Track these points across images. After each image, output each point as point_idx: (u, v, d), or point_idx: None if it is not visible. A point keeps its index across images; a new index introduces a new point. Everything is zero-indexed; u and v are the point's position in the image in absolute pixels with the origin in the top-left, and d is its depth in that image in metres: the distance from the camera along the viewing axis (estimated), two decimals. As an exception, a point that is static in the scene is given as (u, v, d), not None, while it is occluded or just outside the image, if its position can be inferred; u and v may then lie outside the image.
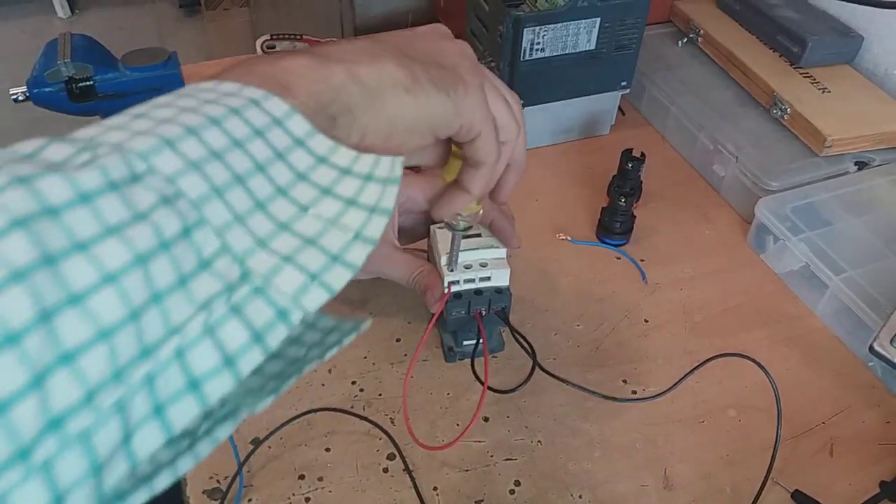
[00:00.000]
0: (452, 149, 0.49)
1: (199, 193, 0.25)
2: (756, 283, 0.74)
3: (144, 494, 0.26)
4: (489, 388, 0.60)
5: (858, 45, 0.91)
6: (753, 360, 0.60)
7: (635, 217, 0.77)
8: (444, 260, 0.58)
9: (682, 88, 0.91)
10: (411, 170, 0.43)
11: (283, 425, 0.59)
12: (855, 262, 0.69)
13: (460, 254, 0.57)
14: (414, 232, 0.63)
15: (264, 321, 0.26)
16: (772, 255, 0.75)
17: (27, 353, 0.20)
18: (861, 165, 0.81)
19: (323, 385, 0.62)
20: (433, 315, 0.58)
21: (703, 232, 0.80)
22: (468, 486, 0.57)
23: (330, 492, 0.56)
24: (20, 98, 0.79)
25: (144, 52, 0.85)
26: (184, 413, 0.25)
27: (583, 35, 0.81)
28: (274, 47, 0.97)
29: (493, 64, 0.83)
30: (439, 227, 0.59)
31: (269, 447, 0.58)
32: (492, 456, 0.59)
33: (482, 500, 0.56)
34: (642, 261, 0.76)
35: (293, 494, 0.56)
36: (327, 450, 0.58)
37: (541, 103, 0.85)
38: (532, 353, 0.62)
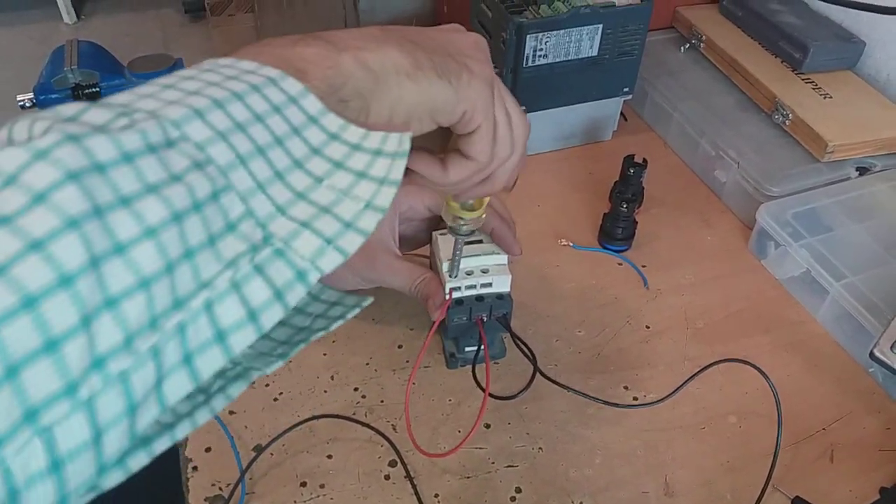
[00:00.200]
0: (447, 201, 0.50)
1: (227, 161, 0.27)
2: (757, 288, 0.75)
3: (167, 441, 0.28)
4: (490, 395, 0.60)
5: (860, 51, 0.91)
6: (754, 366, 0.60)
7: (637, 223, 0.77)
8: (445, 266, 0.58)
9: (684, 94, 0.91)
10: (412, 180, 0.43)
11: (285, 432, 0.59)
12: (856, 267, 0.69)
13: (461, 260, 0.57)
14: (415, 240, 0.63)
15: (284, 280, 0.28)
16: (773, 260, 0.75)
17: (79, 295, 0.22)
18: (862, 171, 0.81)
19: (325, 392, 0.63)
20: (434, 322, 0.59)
21: (705, 238, 0.80)
22: (469, 493, 0.57)
23: (332, 499, 0.56)
24: (27, 105, 0.80)
25: (150, 59, 0.86)
26: (210, 363, 0.26)
27: (585, 41, 0.81)
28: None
29: (496, 70, 0.83)
30: (441, 234, 0.60)
31: (272, 454, 0.58)
32: (493, 463, 0.59)
33: (483, 507, 0.56)
34: (644, 267, 0.76)
35: (295, 501, 0.56)
36: (329, 457, 0.59)
37: (543, 109, 0.85)
38: (533, 359, 0.62)
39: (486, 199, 0.50)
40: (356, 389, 0.63)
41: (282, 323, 0.32)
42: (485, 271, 0.59)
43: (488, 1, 0.82)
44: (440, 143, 0.42)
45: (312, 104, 0.31)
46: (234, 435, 0.59)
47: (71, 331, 0.22)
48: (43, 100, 0.80)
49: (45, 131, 0.24)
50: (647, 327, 0.70)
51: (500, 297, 0.59)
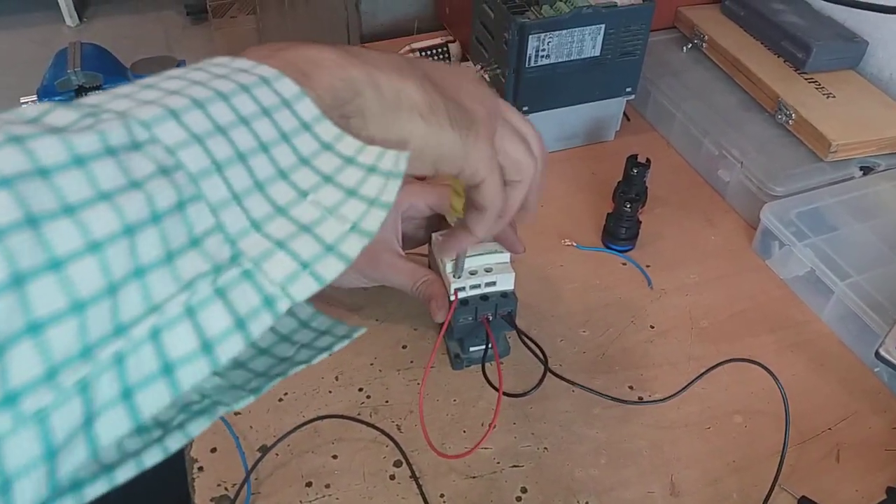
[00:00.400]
0: (453, 186, 0.49)
1: (199, 167, 0.25)
2: (762, 288, 0.74)
3: (103, 486, 0.25)
4: (504, 394, 0.60)
5: (863, 51, 0.91)
6: (762, 366, 0.60)
7: (641, 223, 0.77)
8: (449, 267, 0.58)
9: (686, 94, 0.91)
10: (414, 177, 0.44)
11: (290, 432, 0.59)
12: (861, 267, 0.69)
13: (465, 260, 0.57)
14: (415, 239, 0.63)
15: (249, 307, 0.25)
16: (777, 260, 0.75)
17: None
18: (866, 170, 0.81)
19: (330, 392, 0.63)
20: (442, 324, 0.59)
21: (709, 237, 0.80)
22: (475, 493, 0.57)
23: (337, 499, 0.56)
24: (30, 107, 0.80)
25: (153, 61, 0.86)
26: (154, 399, 0.23)
27: (588, 41, 0.81)
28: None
29: (498, 71, 0.83)
30: (441, 235, 0.60)
31: (277, 454, 0.58)
32: (498, 463, 0.59)
33: (489, 507, 0.56)
34: (648, 266, 0.76)
35: (300, 501, 0.56)
36: (334, 457, 0.59)
37: (546, 109, 0.85)
38: (544, 358, 0.62)
39: None
40: (361, 390, 0.63)
41: (263, 352, 0.29)
42: (488, 270, 0.59)
43: (490, 1, 0.82)
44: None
45: (307, 109, 0.29)
46: (239, 435, 0.59)
47: None
48: (46, 102, 0.80)
49: None
50: (652, 327, 0.70)
51: (504, 295, 0.59)
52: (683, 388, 0.62)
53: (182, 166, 0.24)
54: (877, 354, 0.60)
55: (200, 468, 0.57)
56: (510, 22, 0.78)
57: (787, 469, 0.58)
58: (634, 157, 0.75)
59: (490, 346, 0.60)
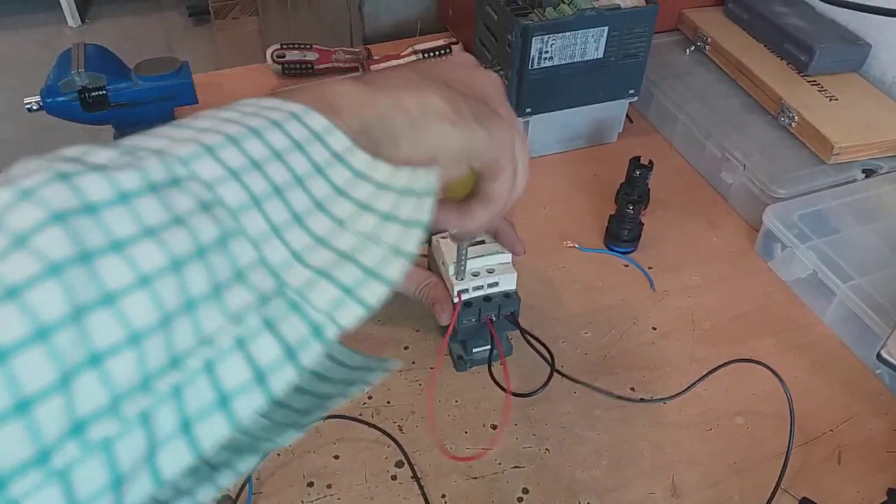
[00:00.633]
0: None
1: (238, 202, 0.25)
2: (764, 290, 0.75)
3: None
4: (512, 394, 0.60)
5: (866, 53, 0.91)
6: (767, 367, 0.60)
7: (643, 225, 0.77)
8: (451, 269, 0.58)
9: (689, 96, 0.91)
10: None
11: (292, 432, 0.59)
12: (863, 269, 0.69)
13: (467, 262, 0.58)
14: None
15: (298, 337, 0.26)
16: (779, 262, 0.75)
17: (57, 350, 0.20)
18: (869, 173, 0.81)
19: (332, 392, 0.63)
20: (446, 327, 0.59)
21: (711, 239, 0.80)
22: (476, 494, 0.57)
23: (339, 499, 0.56)
24: (34, 107, 0.80)
25: (157, 62, 0.86)
26: (212, 431, 0.24)
27: (591, 43, 0.81)
28: (284, 56, 0.98)
29: (501, 73, 0.83)
30: (442, 237, 0.60)
31: (279, 454, 0.58)
32: (500, 464, 0.59)
33: (490, 508, 0.56)
34: (650, 268, 0.76)
35: (302, 501, 0.56)
36: (336, 457, 0.59)
37: (549, 111, 0.85)
38: (550, 358, 0.62)
39: None
40: (363, 390, 0.63)
41: (303, 391, 0.30)
42: (490, 271, 0.59)
43: (494, 3, 0.82)
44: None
45: (339, 140, 0.29)
46: (241, 435, 0.59)
47: (46, 390, 0.20)
48: (50, 102, 0.80)
49: (37, 169, 0.22)
50: (654, 329, 0.70)
51: (507, 295, 0.60)
52: (685, 390, 0.62)
53: (221, 201, 0.25)
54: (878, 356, 0.60)
55: (203, 468, 0.57)
56: (513, 24, 0.78)
57: (789, 470, 0.58)
58: (637, 159, 0.75)
59: (494, 346, 0.60)
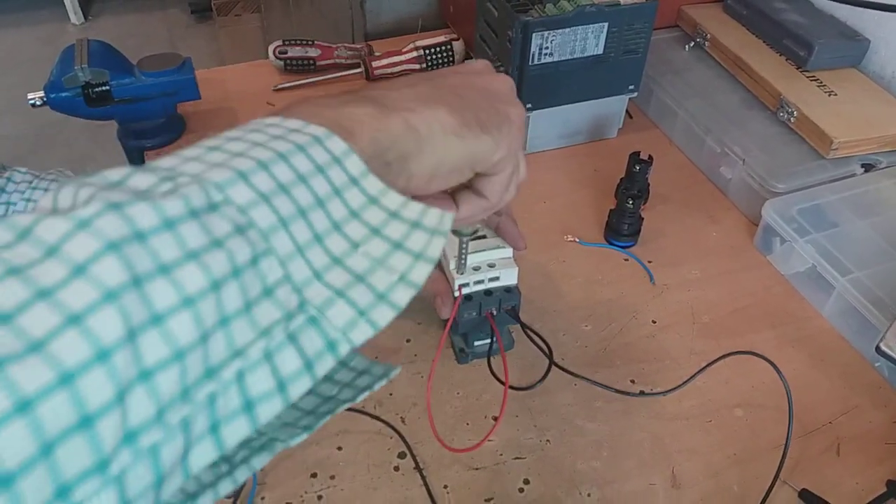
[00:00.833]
0: None
1: (269, 224, 0.27)
2: (763, 284, 0.75)
3: None
4: (510, 387, 0.61)
5: (865, 49, 0.91)
6: (765, 359, 0.60)
7: (643, 219, 0.77)
8: (452, 263, 0.58)
9: (689, 92, 0.91)
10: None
11: (295, 424, 0.60)
12: (861, 263, 0.69)
13: (468, 256, 0.58)
14: None
15: (315, 350, 0.28)
16: (778, 256, 0.76)
17: (115, 369, 0.22)
18: (867, 168, 0.81)
19: (334, 385, 0.63)
20: (447, 320, 0.59)
21: (711, 234, 0.81)
22: (478, 485, 0.57)
23: (342, 490, 0.57)
24: (38, 103, 0.81)
25: (159, 58, 0.86)
26: (236, 432, 0.26)
27: (591, 40, 0.81)
28: (286, 53, 0.98)
29: (502, 69, 0.84)
30: None
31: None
32: (501, 455, 0.59)
33: (492, 499, 0.57)
34: (650, 262, 0.76)
35: (305, 492, 0.56)
36: (339, 448, 0.59)
37: (549, 107, 0.86)
38: (549, 351, 0.63)
39: None
40: (365, 383, 0.64)
41: (308, 391, 0.31)
42: (491, 265, 0.60)
43: (494, 0, 0.83)
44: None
45: (355, 165, 0.30)
46: (244, 427, 0.60)
47: (105, 406, 0.22)
48: (53, 98, 0.81)
49: (89, 199, 0.24)
50: (654, 322, 0.70)
51: (508, 289, 0.60)
52: (685, 382, 0.63)
53: (254, 224, 0.27)
54: (877, 349, 0.61)
55: (207, 459, 0.58)
56: (514, 20, 0.78)
57: (788, 462, 0.58)
58: (637, 154, 0.75)
59: (495, 340, 0.61)
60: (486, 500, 0.57)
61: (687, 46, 1.00)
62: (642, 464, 0.59)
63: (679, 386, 0.63)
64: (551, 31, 0.79)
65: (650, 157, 0.75)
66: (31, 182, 0.64)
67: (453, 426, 0.61)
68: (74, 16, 3.01)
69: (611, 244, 0.78)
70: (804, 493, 0.57)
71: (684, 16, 1.02)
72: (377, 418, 0.61)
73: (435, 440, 0.58)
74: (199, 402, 0.25)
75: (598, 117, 0.91)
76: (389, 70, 0.98)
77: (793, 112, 0.84)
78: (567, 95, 0.86)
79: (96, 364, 0.21)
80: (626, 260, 0.77)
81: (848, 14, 0.94)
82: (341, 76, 0.99)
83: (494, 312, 0.61)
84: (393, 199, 0.32)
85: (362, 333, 0.29)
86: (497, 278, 0.60)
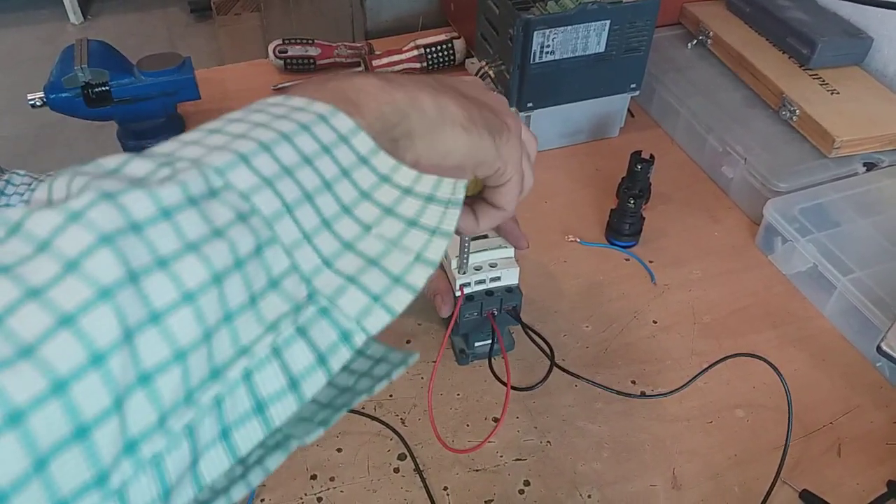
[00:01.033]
0: None
1: (273, 210, 0.25)
2: (764, 284, 0.75)
3: None
4: (512, 388, 0.61)
5: (868, 47, 0.91)
6: (766, 361, 0.60)
7: (644, 219, 0.77)
8: (454, 263, 0.58)
9: (691, 90, 0.91)
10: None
11: (295, 425, 0.60)
12: (863, 262, 0.69)
13: (470, 256, 0.58)
14: None
15: (328, 343, 0.26)
16: (780, 256, 0.76)
17: (111, 374, 0.20)
18: (870, 167, 0.81)
19: (335, 385, 0.63)
20: (449, 320, 0.59)
21: (712, 233, 0.80)
22: (478, 486, 0.57)
23: (341, 492, 0.57)
24: (38, 103, 0.81)
25: (159, 57, 0.86)
26: (249, 437, 0.25)
27: (592, 38, 0.81)
28: (286, 52, 0.98)
29: (503, 67, 0.84)
30: None
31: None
32: (501, 456, 0.59)
33: (492, 500, 0.57)
34: (651, 262, 0.76)
35: (305, 494, 0.56)
36: (339, 450, 0.59)
37: (550, 106, 0.85)
38: (550, 352, 0.62)
39: None
40: (365, 384, 0.64)
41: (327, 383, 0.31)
42: (493, 265, 0.59)
43: (495, -2, 0.82)
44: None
45: (363, 142, 0.29)
46: (244, 428, 0.60)
47: (102, 415, 0.20)
48: (53, 98, 0.81)
49: (83, 189, 0.22)
50: (655, 322, 0.70)
51: (509, 290, 0.60)
52: (686, 383, 0.63)
53: (257, 211, 0.25)
54: (878, 349, 0.60)
55: (207, 460, 0.58)
56: (515, 18, 0.78)
57: (789, 462, 0.58)
58: (638, 153, 0.75)
59: (496, 340, 0.60)
60: (486, 502, 0.56)
61: (689, 44, 1.00)
62: (643, 465, 0.59)
63: (680, 388, 0.63)
64: (553, 29, 0.79)
65: (652, 157, 0.75)
66: (30, 184, 0.64)
67: (454, 427, 0.61)
68: (74, 15, 3.00)
69: (612, 244, 0.78)
70: (805, 494, 0.57)
71: (687, 13, 1.02)
72: (377, 420, 0.61)
73: (435, 442, 0.58)
74: (204, 405, 0.23)
75: (600, 116, 0.90)
76: (390, 69, 0.98)
77: (795, 110, 0.83)
78: (568, 94, 0.85)
79: (91, 369, 0.20)
80: (628, 260, 0.77)
81: (851, 12, 0.93)
82: (341, 75, 0.99)
83: (496, 313, 0.60)
84: (405, 175, 0.30)
85: (378, 321, 0.27)
86: (498, 278, 0.60)
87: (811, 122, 0.82)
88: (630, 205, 0.75)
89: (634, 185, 0.75)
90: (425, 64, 0.98)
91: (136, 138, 0.88)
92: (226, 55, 2.51)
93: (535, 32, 0.78)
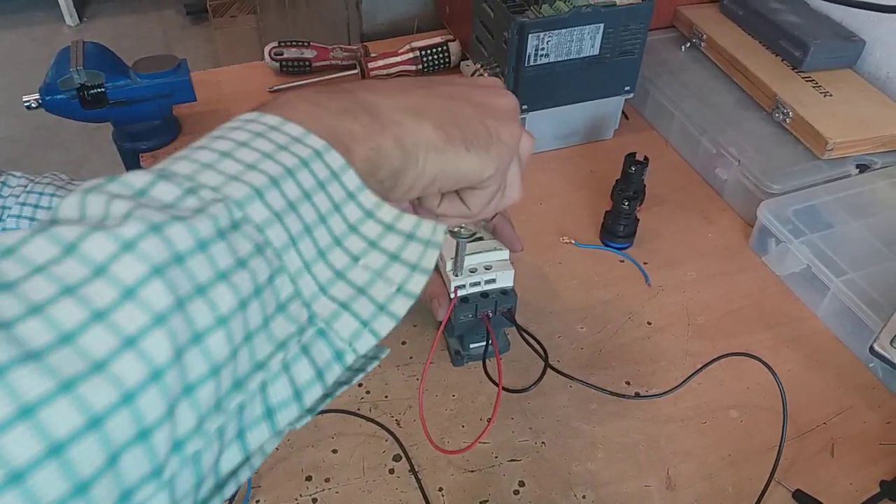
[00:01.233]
0: None
1: (282, 242, 0.29)
2: (758, 285, 0.75)
3: (217, 501, 0.29)
4: (504, 389, 0.61)
5: (860, 50, 0.91)
6: (760, 360, 0.60)
7: (638, 220, 0.77)
8: (449, 265, 0.58)
9: (685, 93, 0.91)
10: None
11: (290, 426, 0.60)
12: (856, 264, 0.69)
13: (465, 258, 0.58)
14: None
15: (325, 360, 0.30)
16: (774, 257, 0.76)
17: (166, 387, 0.24)
18: (862, 168, 0.81)
19: (330, 387, 0.63)
20: (441, 322, 0.59)
21: (706, 235, 0.81)
22: (473, 487, 0.57)
23: (337, 493, 0.57)
24: (33, 105, 0.81)
25: (155, 60, 0.86)
26: (258, 437, 0.28)
27: (587, 40, 0.81)
28: (282, 54, 0.98)
29: (497, 70, 0.84)
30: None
31: (277, 448, 0.59)
32: (496, 457, 0.59)
33: (487, 501, 0.57)
34: (645, 264, 0.76)
35: (300, 495, 0.56)
36: (334, 451, 0.59)
37: (545, 108, 0.86)
38: (544, 354, 0.63)
39: None
40: (360, 385, 0.64)
41: None
42: (488, 267, 0.60)
43: (490, 1, 0.83)
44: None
45: (351, 179, 0.31)
46: (240, 430, 0.60)
47: (159, 420, 0.24)
48: (49, 100, 0.81)
49: (126, 216, 0.25)
50: (649, 323, 0.71)
51: (504, 292, 0.60)
52: (680, 384, 0.63)
53: (269, 243, 0.28)
54: (871, 350, 0.61)
55: (202, 462, 0.58)
56: (510, 21, 0.78)
57: (783, 463, 0.58)
58: (633, 155, 0.75)
59: (490, 342, 0.61)
60: (481, 503, 0.57)
61: (683, 47, 1.00)
62: (637, 465, 0.59)
63: (674, 388, 0.63)
64: (547, 32, 0.79)
65: (646, 159, 0.75)
66: (25, 186, 0.64)
67: (448, 428, 0.61)
68: (70, 17, 3.00)
69: (607, 246, 0.78)
70: (798, 494, 0.58)
71: (680, 16, 1.02)
72: (372, 421, 0.61)
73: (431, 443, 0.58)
74: (230, 411, 0.27)
75: (594, 118, 0.91)
76: (385, 71, 0.98)
77: (788, 113, 0.84)
78: (563, 96, 0.86)
79: (151, 383, 0.23)
80: (622, 261, 0.77)
81: (843, 15, 0.94)
82: (337, 77, 0.99)
83: (490, 314, 0.61)
84: (387, 213, 0.33)
85: (366, 343, 0.30)
86: (493, 280, 0.60)
87: (804, 124, 0.82)
88: (624, 206, 0.75)
89: (629, 187, 0.75)
90: (420, 66, 0.99)
91: (132, 140, 0.88)
92: (222, 57, 2.51)
93: (530, 35, 0.78)
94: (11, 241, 0.24)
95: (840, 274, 0.68)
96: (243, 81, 1.00)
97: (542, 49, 0.80)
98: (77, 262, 0.24)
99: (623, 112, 0.92)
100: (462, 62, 0.98)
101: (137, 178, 0.27)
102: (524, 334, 0.63)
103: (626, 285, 0.74)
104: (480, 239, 0.60)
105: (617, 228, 0.77)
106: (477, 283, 0.59)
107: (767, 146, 0.84)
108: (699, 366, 0.63)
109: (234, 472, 0.31)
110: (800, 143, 0.83)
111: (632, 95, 0.89)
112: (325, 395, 0.33)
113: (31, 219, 0.62)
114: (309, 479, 0.57)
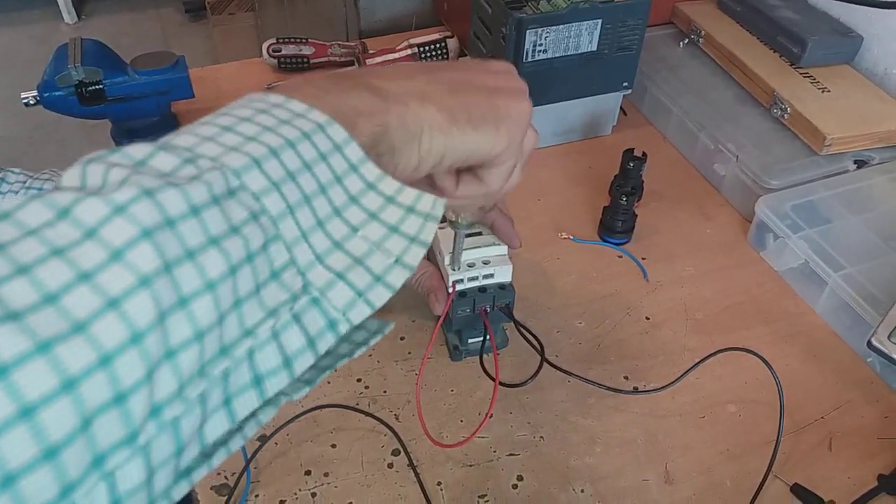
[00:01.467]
0: None
1: (278, 211, 0.29)
2: (756, 280, 0.75)
3: (205, 469, 0.29)
4: (500, 384, 0.61)
5: (858, 45, 0.92)
6: (757, 355, 0.61)
7: (637, 216, 0.77)
8: (447, 259, 0.59)
9: (683, 89, 0.91)
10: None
11: (289, 422, 0.60)
12: (854, 259, 0.69)
13: (462, 252, 0.58)
14: None
15: (317, 329, 0.30)
16: (772, 252, 0.76)
17: (147, 351, 0.23)
18: (860, 164, 0.82)
19: (328, 382, 0.63)
20: (439, 317, 0.59)
21: (704, 230, 0.81)
22: (472, 481, 0.58)
23: (336, 487, 0.57)
24: (31, 102, 0.81)
25: (153, 56, 0.86)
26: (246, 405, 0.28)
27: (585, 36, 0.81)
28: (280, 51, 0.98)
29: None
30: (440, 227, 0.60)
31: (276, 443, 0.59)
32: (495, 451, 0.60)
33: (485, 495, 0.57)
34: (644, 259, 0.76)
35: (299, 490, 0.57)
36: (333, 446, 0.59)
37: (543, 104, 0.86)
38: (541, 349, 0.63)
39: None
40: (359, 380, 0.64)
41: None
42: (486, 262, 0.60)
43: (488, -4, 0.83)
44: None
45: (354, 152, 0.32)
46: (239, 425, 0.60)
47: (137, 384, 0.23)
48: (47, 97, 0.81)
49: (122, 182, 0.25)
50: (647, 319, 0.71)
51: (502, 287, 0.60)
52: (678, 378, 0.63)
53: (265, 211, 0.28)
54: (869, 344, 0.61)
55: (201, 457, 0.58)
56: (508, 17, 0.78)
57: (781, 457, 0.59)
58: (631, 151, 0.75)
59: (488, 337, 0.61)
60: (479, 497, 0.57)
61: (681, 43, 1.00)
62: (636, 460, 0.60)
63: (672, 382, 0.63)
64: (545, 28, 0.79)
65: (644, 154, 0.75)
66: (24, 182, 0.64)
67: (447, 423, 0.61)
68: (68, 15, 3.00)
69: (605, 241, 0.78)
70: (796, 488, 0.58)
71: (678, 12, 1.02)
72: (371, 415, 0.61)
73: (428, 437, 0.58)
74: (214, 378, 0.26)
75: (593, 114, 0.91)
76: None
77: (786, 108, 0.84)
78: (561, 92, 0.86)
79: (131, 346, 0.23)
80: (620, 257, 0.77)
81: (841, 11, 0.94)
82: (335, 74, 0.99)
83: (488, 309, 0.61)
84: (389, 185, 0.33)
85: (360, 313, 0.30)
86: (491, 275, 0.60)
87: (802, 119, 0.82)
88: (622, 202, 0.75)
89: (627, 183, 0.75)
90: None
91: (130, 137, 0.88)
92: (220, 55, 2.50)
93: (528, 31, 0.78)
94: (9, 206, 0.24)
95: (838, 269, 0.68)
96: (241, 78, 1.00)
97: (540, 45, 0.80)
98: (69, 225, 0.24)
99: (621, 108, 0.92)
100: (460, 58, 0.98)
101: (138, 150, 0.27)
102: (521, 329, 0.63)
103: (625, 281, 0.74)
104: (479, 233, 0.60)
105: (615, 224, 0.77)
106: (475, 278, 0.59)
107: (765, 142, 0.84)
108: (697, 360, 0.64)
109: (224, 442, 0.31)
110: (798, 139, 0.83)
111: (630, 91, 0.89)
112: (325, 369, 0.33)
113: None
114: (308, 473, 0.58)
